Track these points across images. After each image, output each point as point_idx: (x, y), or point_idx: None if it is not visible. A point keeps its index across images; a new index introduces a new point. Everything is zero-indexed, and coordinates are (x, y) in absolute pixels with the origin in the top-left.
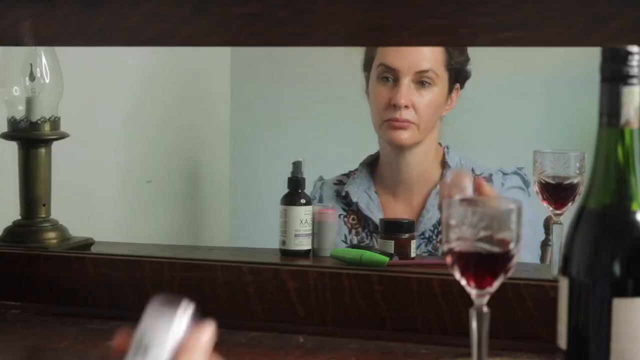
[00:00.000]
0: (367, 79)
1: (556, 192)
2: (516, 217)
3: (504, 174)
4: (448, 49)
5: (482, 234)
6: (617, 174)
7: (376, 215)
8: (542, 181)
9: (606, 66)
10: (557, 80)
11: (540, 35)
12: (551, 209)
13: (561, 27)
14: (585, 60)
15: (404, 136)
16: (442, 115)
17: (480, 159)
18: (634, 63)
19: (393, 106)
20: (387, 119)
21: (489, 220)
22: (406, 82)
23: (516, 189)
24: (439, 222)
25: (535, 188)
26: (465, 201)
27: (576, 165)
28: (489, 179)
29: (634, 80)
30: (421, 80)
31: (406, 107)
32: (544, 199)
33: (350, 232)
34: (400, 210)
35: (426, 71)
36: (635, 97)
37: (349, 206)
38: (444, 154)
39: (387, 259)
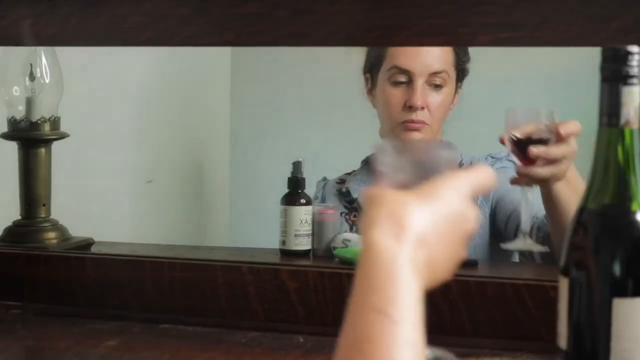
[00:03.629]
0: (369, 80)
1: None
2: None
3: (494, 158)
4: (455, 48)
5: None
6: (617, 174)
7: None
8: (514, 138)
9: (606, 66)
10: (557, 80)
11: (540, 35)
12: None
13: (561, 27)
14: (585, 60)
15: (419, 137)
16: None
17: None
18: (634, 63)
19: (409, 108)
20: (403, 120)
21: (419, 167)
22: (420, 83)
23: (511, 170)
24: None
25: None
26: (397, 147)
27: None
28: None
29: (634, 80)
30: (434, 81)
31: (422, 108)
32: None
33: (351, 229)
34: None
35: (440, 72)
36: (635, 97)
37: (351, 203)
38: None
39: None
